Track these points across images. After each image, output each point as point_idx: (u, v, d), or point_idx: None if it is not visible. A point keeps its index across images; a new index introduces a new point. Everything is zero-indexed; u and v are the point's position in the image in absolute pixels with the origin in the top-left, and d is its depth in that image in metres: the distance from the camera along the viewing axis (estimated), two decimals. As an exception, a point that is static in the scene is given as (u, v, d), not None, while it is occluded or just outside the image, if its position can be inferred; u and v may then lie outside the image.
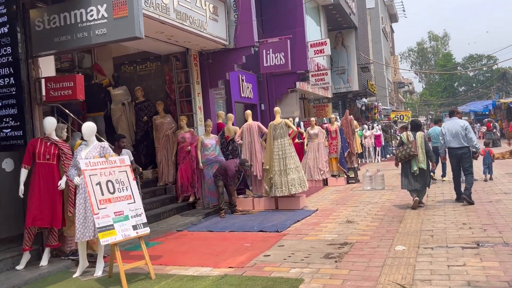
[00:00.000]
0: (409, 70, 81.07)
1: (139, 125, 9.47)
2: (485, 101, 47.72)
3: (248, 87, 11.98)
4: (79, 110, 8.82)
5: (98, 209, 4.55)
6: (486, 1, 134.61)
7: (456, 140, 7.89)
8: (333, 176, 12.54)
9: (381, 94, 39.27)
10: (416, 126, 8.16)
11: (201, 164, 8.82)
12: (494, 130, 25.35)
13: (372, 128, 21.48)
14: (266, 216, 8.17)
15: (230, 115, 9.51)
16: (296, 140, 13.01)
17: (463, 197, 7.81)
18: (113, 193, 4.73)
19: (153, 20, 6.91)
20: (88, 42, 5.42)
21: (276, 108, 9.06)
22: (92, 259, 5.30)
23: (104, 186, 4.68)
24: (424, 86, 79.83)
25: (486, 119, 31.35)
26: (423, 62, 76.97)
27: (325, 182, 12.59)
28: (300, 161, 12.85)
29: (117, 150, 6.38)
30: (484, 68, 71.09)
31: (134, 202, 4.90)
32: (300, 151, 12.98)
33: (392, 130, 31.44)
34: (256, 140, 9.05)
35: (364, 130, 20.28)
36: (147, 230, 4.93)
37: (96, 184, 4.64)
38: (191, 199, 9.03)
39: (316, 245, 5.78)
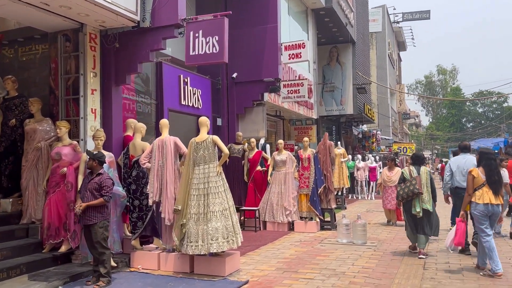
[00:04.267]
0: (415, 98, 78.42)
1: (5, 131, 6.47)
2: (495, 139, 44.69)
3: (194, 93, 9.02)
4: None
5: None
6: (494, 38, 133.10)
7: None
8: (301, 218, 9.41)
9: (384, 123, 36.43)
10: (418, 160, 6.97)
11: (80, 196, 5.77)
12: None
13: (368, 159, 18.46)
14: (159, 289, 5.05)
15: (139, 125, 6.49)
16: (258, 168, 9.98)
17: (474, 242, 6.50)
18: None
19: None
20: None
21: (202, 119, 6.02)
22: None
23: None
24: (431, 120, 76.99)
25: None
26: (431, 95, 74.31)
27: (291, 226, 9.45)
28: (262, 195, 9.89)
29: None
30: (494, 105, 68.51)
31: None
32: (263, 182, 9.92)
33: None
34: (170, 165, 5.98)
35: (357, 161, 17.23)
36: None
37: None
38: (63, 249, 5.92)
39: None
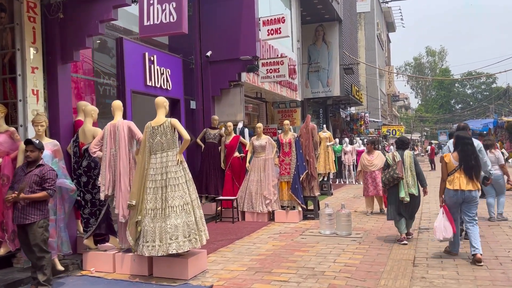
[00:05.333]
0: (404, 80, 78.07)
1: None
2: (484, 120, 44.49)
3: (163, 73, 8.16)
4: None
5: None
6: (481, 20, 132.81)
7: None
8: (283, 208, 8.72)
9: (373, 106, 35.84)
10: (402, 144, 6.75)
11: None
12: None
13: (355, 142, 17.83)
14: (107, 299, 4.33)
15: (89, 108, 5.66)
16: (236, 154, 9.23)
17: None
18: None
19: None
20: None
21: (159, 99, 5.23)
22: None
23: None
24: (420, 102, 76.78)
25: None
26: (420, 78, 73.88)
27: (271, 217, 8.77)
28: (240, 183, 9.16)
29: None
30: (483, 87, 68.37)
31: None
32: (242, 169, 9.18)
33: (380, 146, 27.82)
34: (124, 153, 5.20)
35: (345, 145, 16.59)
36: None
37: None
38: (1, 251, 5.13)
39: None
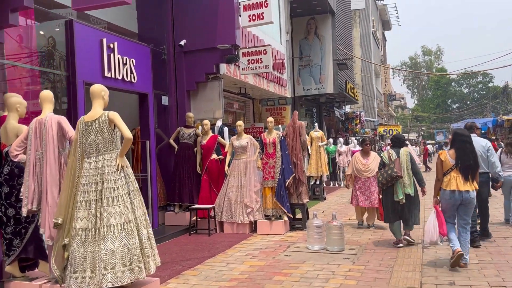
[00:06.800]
0: (401, 79, 77.37)
1: None
2: (482, 119, 43.73)
3: (125, 63, 7.04)
4: None
5: None
6: (479, 19, 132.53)
7: None
8: (266, 217, 7.61)
9: (369, 105, 34.89)
10: (398, 142, 6.45)
11: None
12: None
13: (351, 142, 16.74)
14: None
15: (13, 100, 4.52)
16: (214, 156, 8.11)
17: (478, 236, 5.92)
18: None
19: None
20: None
21: (96, 87, 4.10)
22: None
23: None
24: (416, 102, 76.13)
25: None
26: (416, 77, 73.27)
27: (254, 227, 7.66)
28: (218, 190, 8.06)
29: None
30: (479, 86, 67.70)
31: None
32: (220, 173, 8.07)
33: (377, 146, 26.77)
34: (52, 157, 4.08)
35: (339, 145, 15.50)
36: None
37: None
38: None
39: None
